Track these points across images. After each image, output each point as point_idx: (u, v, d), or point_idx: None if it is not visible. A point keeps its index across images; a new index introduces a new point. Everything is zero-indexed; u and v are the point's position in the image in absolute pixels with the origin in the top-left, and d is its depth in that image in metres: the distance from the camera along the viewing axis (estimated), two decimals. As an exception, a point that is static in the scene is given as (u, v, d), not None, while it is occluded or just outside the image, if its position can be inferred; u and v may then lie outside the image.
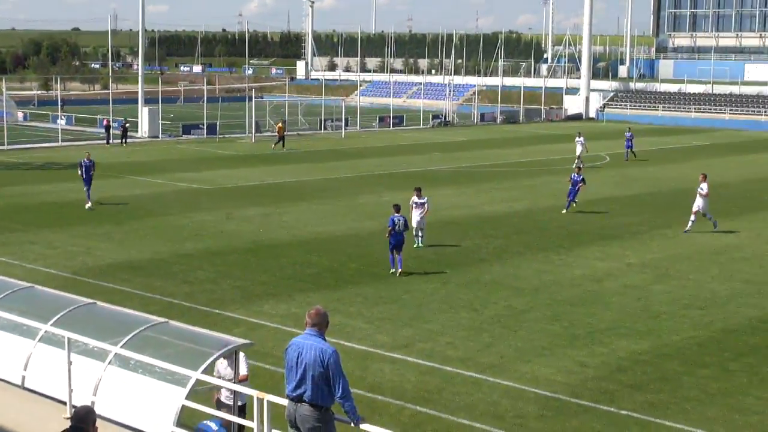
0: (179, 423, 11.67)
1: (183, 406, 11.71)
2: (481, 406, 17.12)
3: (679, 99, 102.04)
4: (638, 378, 18.78)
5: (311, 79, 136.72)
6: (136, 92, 75.11)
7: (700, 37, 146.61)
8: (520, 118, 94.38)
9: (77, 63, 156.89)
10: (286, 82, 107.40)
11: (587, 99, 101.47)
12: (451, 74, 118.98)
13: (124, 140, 63.84)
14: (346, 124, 78.17)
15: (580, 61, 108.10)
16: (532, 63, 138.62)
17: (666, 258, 29.97)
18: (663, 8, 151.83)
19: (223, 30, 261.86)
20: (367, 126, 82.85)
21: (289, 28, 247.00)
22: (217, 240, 31.84)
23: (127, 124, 64.87)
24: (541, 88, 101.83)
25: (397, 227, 26.20)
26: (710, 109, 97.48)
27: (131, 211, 36.50)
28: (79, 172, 38.02)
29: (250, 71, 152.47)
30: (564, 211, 37.17)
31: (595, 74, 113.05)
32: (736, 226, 35.93)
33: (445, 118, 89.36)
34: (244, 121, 71.68)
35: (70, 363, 12.13)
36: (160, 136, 69.78)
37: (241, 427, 12.41)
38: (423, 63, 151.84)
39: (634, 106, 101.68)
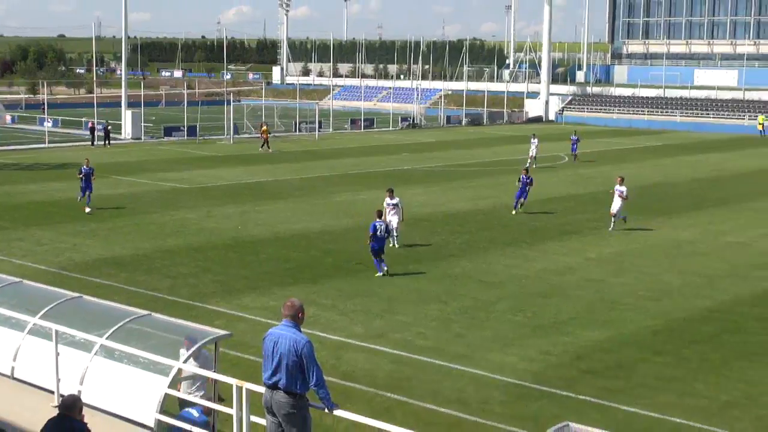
0: (162, 410, 11.63)
1: (166, 395, 11.67)
2: (449, 392, 17.13)
3: (633, 102, 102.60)
4: (596, 365, 18.87)
5: (286, 84, 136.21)
6: (120, 96, 74.70)
7: (652, 44, 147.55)
8: (484, 121, 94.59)
9: (63, 68, 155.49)
10: (263, 87, 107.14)
11: (547, 102, 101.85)
12: (418, 79, 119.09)
13: (107, 142, 63.51)
14: (320, 127, 78.07)
15: (540, 67, 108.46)
16: (495, 68, 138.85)
17: (623, 252, 30.13)
18: (617, 17, 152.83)
19: (203, 37, 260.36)
20: (339, 128, 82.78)
21: (265, 36, 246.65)
22: (198, 236, 31.70)
23: (110, 127, 64.55)
24: (504, 92, 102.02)
25: (378, 232, 25.72)
26: (662, 112, 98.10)
27: (115, 210, 36.24)
28: (80, 177, 36.57)
29: (228, 76, 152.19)
30: (513, 212, 36.71)
31: (555, 79, 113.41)
32: (688, 222, 36.18)
33: (413, 120, 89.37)
34: (223, 123, 71.43)
35: (57, 354, 12.09)
36: (142, 137, 69.42)
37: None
38: (392, 68, 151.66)
39: (591, 109, 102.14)
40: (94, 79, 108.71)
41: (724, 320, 22.37)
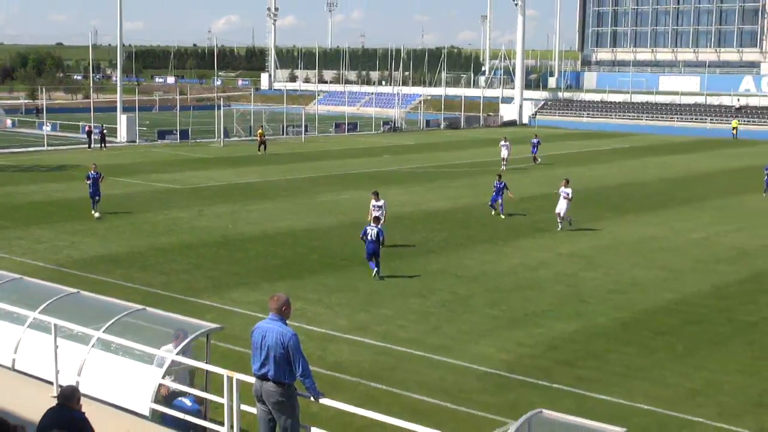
0: (156, 400, 11.58)
1: (160, 385, 11.64)
2: (430, 382, 17.12)
3: (601, 107, 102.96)
4: (569, 355, 18.90)
5: (274, 90, 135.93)
6: (115, 101, 74.22)
7: (619, 52, 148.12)
8: (461, 124, 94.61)
9: (61, 74, 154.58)
10: (252, 92, 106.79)
11: (521, 107, 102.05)
12: (399, 85, 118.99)
13: (103, 145, 63.23)
14: (306, 130, 77.96)
15: (514, 73, 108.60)
16: (472, 75, 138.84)
17: (593, 248, 30.21)
18: (587, 26, 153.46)
19: (194, 45, 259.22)
20: (324, 131, 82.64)
21: (253, 44, 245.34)
22: (190, 235, 31.59)
23: (105, 130, 64.30)
24: (480, 97, 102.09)
25: (369, 236, 24.77)
26: (629, 116, 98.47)
27: (111, 209, 36.01)
28: (88, 183, 34.84)
29: (219, 82, 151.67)
30: (500, 215, 35.94)
31: (528, 85, 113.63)
32: (654, 220, 36.31)
33: (394, 124, 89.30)
34: (214, 127, 71.25)
35: (56, 347, 12.04)
36: (137, 141, 69.14)
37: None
38: (374, 75, 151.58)
39: (562, 113, 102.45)
40: (91, 85, 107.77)
41: (688, 312, 22.47)
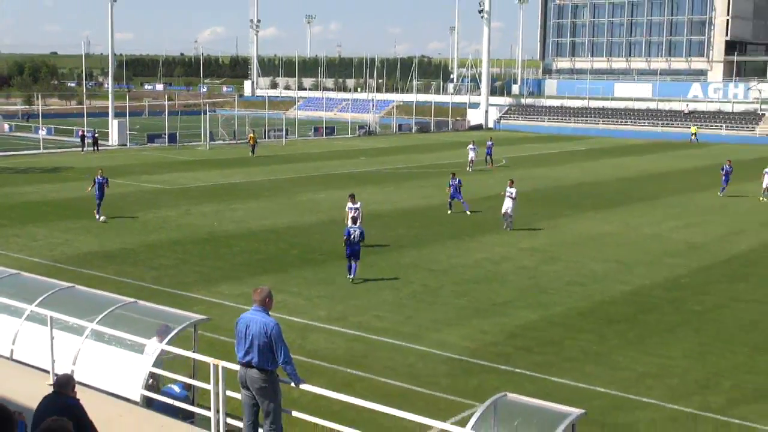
0: (146, 387, 11.56)
1: (150, 372, 11.61)
2: (401, 368, 17.18)
3: (561, 112, 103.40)
4: (529, 342, 19.01)
5: (256, 96, 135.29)
6: (107, 107, 73.86)
7: (578, 61, 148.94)
8: (431, 128, 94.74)
9: (55, 82, 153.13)
10: (235, 99, 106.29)
11: (486, 112, 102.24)
12: (373, 91, 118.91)
13: (95, 148, 62.79)
14: (287, 134, 77.79)
15: (480, 81, 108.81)
16: (441, 82, 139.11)
17: (552, 243, 30.36)
18: (548, 37, 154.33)
19: (181, 54, 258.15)
20: (304, 135, 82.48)
21: (237, 53, 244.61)
22: (178, 232, 31.46)
23: (98, 134, 63.85)
24: (449, 103, 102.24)
25: (352, 237, 23.89)
26: (587, 120, 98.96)
27: (104, 208, 35.67)
28: (94, 187, 33.69)
29: (205, 89, 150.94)
30: (449, 212, 36.40)
31: (493, 91, 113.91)
32: (610, 217, 36.54)
33: (369, 128, 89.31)
34: (200, 131, 70.88)
35: (52, 338, 11.97)
36: (128, 144, 68.69)
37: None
38: (350, 82, 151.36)
39: (525, 118, 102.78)
40: (84, 91, 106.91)
41: (641, 302, 22.66)
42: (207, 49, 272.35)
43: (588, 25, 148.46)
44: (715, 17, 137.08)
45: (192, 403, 11.76)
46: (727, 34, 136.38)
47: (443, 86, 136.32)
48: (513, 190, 32.49)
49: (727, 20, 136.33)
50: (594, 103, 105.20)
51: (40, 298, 13.13)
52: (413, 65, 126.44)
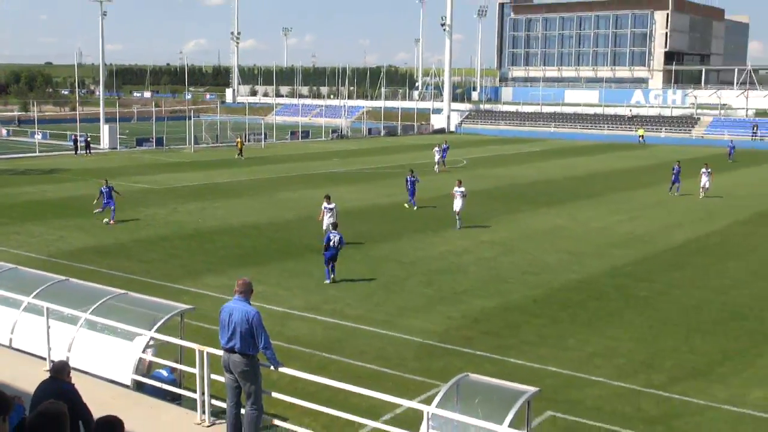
0: (137, 372, 11.48)
1: (140, 358, 11.54)
2: (373, 351, 17.18)
3: (517, 116, 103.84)
4: (490, 327, 19.09)
5: (237, 102, 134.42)
6: (98, 113, 73.13)
7: (531, 70, 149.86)
8: (398, 132, 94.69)
9: (50, 90, 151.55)
10: (218, 105, 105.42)
11: (449, 117, 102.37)
12: (345, 98, 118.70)
13: (88, 151, 62.13)
14: (265, 138, 77.40)
15: (442, 88, 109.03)
16: (407, 89, 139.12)
17: (510, 237, 30.50)
18: (504, 48, 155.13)
19: (168, 64, 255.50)
20: (281, 138, 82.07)
21: (219, 63, 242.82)
22: (166, 228, 31.23)
23: (90, 138, 63.20)
24: (414, 108, 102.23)
25: (332, 243, 22.74)
26: (540, 124, 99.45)
27: (96, 207, 35.42)
28: (101, 197, 32.53)
29: (189, 96, 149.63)
30: (415, 207, 36.26)
31: (454, 98, 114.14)
32: (561, 212, 36.76)
33: (341, 132, 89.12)
34: (185, 135, 70.38)
35: (48, 327, 11.87)
36: (118, 147, 67.95)
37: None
38: (324, 90, 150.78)
39: (484, 122, 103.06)
40: (77, 99, 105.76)
41: (589, 289, 22.84)
42: (191, 60, 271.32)
43: (541, 37, 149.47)
44: (656, 30, 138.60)
45: (179, 386, 11.69)
46: (666, 46, 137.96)
47: (409, 93, 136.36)
48: (462, 189, 31.92)
49: (666, 33, 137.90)
50: (546, 109, 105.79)
51: (37, 291, 13.01)
52: (381, 74, 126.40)
